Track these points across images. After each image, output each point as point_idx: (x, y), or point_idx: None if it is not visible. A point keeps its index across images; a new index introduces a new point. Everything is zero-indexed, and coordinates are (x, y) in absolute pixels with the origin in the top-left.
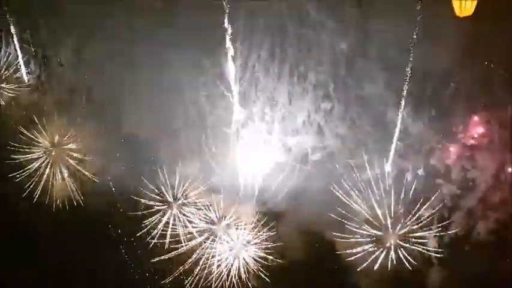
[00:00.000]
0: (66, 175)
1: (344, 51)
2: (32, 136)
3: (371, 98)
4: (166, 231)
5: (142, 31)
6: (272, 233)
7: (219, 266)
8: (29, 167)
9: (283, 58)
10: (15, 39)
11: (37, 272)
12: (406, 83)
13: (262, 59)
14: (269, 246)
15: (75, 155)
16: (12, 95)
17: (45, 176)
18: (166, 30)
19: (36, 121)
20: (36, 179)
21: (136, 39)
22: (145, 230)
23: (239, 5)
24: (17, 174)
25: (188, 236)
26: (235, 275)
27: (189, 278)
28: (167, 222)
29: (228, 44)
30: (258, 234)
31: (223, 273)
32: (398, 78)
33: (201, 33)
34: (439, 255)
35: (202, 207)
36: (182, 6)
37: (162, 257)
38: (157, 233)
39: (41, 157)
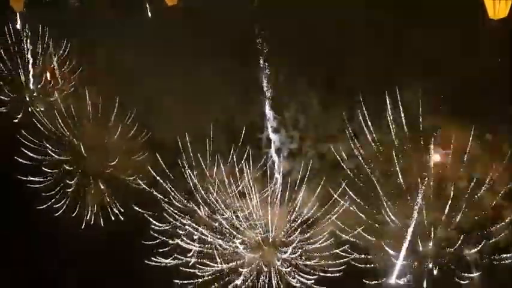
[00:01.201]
0: (98, 178)
1: (379, 56)
2: (65, 139)
3: (408, 103)
4: (196, 234)
5: (173, 37)
6: (304, 238)
7: (249, 268)
8: (61, 168)
9: (316, 63)
10: (50, 46)
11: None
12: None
13: (296, 64)
14: (301, 251)
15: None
16: (49, 99)
17: (75, 179)
18: (198, 36)
19: (70, 125)
20: (68, 182)
21: (168, 45)
22: (174, 232)
23: (271, 9)
24: (50, 176)
25: (218, 239)
26: (265, 278)
27: (218, 281)
28: (197, 225)
29: (261, 48)
30: (290, 239)
31: (253, 277)
32: (437, 84)
33: (233, 39)
34: (478, 266)
35: (233, 211)
36: (215, 12)
37: (192, 260)
38: (186, 235)
39: (73, 160)
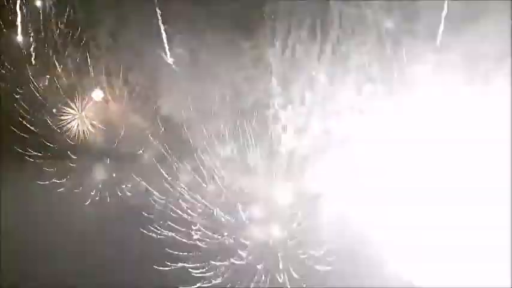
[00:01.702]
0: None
1: (390, 31)
2: (67, 117)
3: (417, 79)
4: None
5: (179, 12)
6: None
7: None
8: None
9: (324, 38)
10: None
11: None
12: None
13: (303, 38)
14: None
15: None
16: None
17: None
18: (204, 11)
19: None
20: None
21: (172, 20)
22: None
23: None
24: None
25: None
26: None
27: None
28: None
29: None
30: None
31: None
32: (448, 60)
33: (239, 14)
34: None
35: (238, 189)
36: None
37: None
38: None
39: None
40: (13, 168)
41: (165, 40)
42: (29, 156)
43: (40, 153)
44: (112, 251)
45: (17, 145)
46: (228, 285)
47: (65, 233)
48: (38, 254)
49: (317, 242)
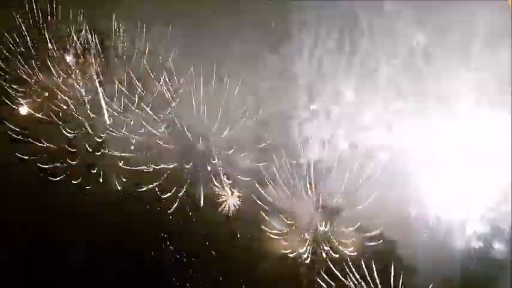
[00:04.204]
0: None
1: (420, 44)
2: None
3: (447, 93)
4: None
5: (206, 22)
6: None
7: None
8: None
9: (353, 50)
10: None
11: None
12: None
13: (330, 50)
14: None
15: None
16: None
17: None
18: (231, 21)
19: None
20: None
21: (199, 30)
22: None
23: None
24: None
25: None
26: None
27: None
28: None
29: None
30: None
31: None
32: (478, 74)
33: (266, 26)
34: None
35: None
36: None
37: None
38: None
39: None
40: None
41: None
42: None
43: None
44: None
45: None
46: None
47: None
48: None
49: (342, 258)
